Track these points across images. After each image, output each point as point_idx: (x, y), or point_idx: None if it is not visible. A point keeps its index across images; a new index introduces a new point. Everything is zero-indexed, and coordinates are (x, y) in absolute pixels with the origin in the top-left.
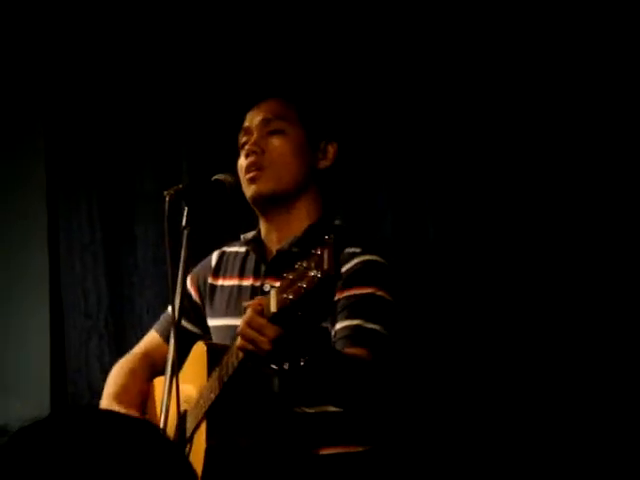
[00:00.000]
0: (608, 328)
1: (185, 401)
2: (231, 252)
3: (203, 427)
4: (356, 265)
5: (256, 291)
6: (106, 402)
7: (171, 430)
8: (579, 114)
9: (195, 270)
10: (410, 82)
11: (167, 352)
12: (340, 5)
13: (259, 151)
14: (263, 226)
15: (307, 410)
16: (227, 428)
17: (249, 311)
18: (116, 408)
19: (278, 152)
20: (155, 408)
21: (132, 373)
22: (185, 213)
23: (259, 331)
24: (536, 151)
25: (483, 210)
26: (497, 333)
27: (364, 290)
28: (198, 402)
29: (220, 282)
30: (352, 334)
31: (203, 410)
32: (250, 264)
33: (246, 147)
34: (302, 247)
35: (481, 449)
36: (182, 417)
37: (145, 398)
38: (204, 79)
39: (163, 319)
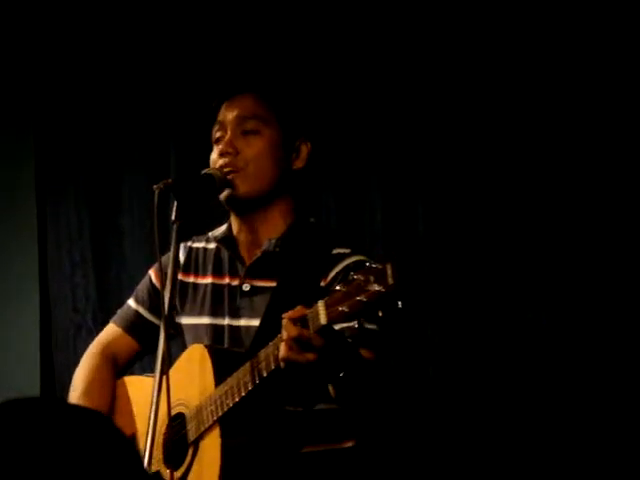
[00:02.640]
0: (607, 328)
1: (179, 404)
2: (199, 248)
3: (216, 432)
4: (348, 266)
5: (234, 290)
6: (75, 401)
7: (160, 431)
8: (566, 105)
9: (160, 264)
10: (405, 79)
11: (127, 343)
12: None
13: (233, 152)
14: (235, 224)
15: (295, 409)
16: (241, 432)
17: (288, 323)
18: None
19: (253, 154)
20: (129, 407)
21: (96, 370)
22: (174, 207)
23: (306, 343)
24: (527, 146)
25: (474, 205)
26: (488, 328)
27: None
28: (204, 407)
29: (192, 279)
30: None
31: (216, 415)
32: (225, 262)
33: (220, 147)
34: (284, 247)
35: (465, 444)
36: (177, 420)
37: (112, 393)
38: (191, 73)
39: (122, 312)
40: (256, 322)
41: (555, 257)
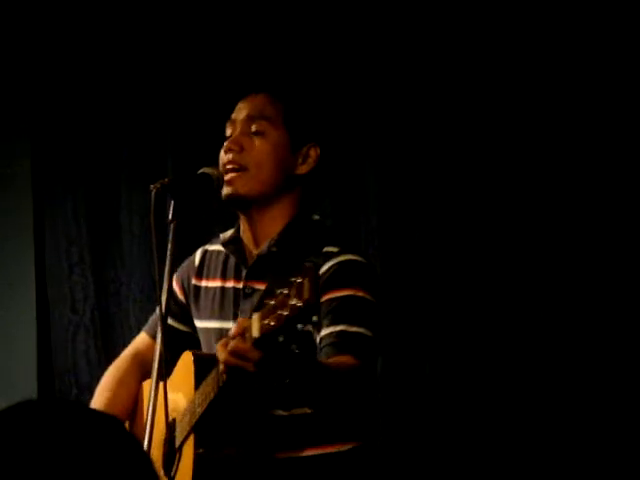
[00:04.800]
0: (607, 327)
1: (173, 409)
2: (213, 251)
3: (191, 439)
4: (334, 266)
5: (238, 293)
6: (96, 395)
7: (160, 436)
8: (566, 105)
9: (180, 269)
10: (404, 73)
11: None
12: (333, 4)
13: (237, 149)
14: (242, 224)
15: (283, 413)
16: (214, 439)
17: (228, 338)
18: None
19: (256, 153)
20: (143, 410)
21: (120, 382)
22: (171, 207)
23: (243, 356)
24: (526, 142)
25: (472, 203)
26: (484, 325)
27: (344, 292)
28: (185, 414)
29: (204, 283)
30: (336, 341)
31: (191, 423)
32: (231, 265)
33: (226, 143)
34: (280, 247)
35: (463, 442)
36: (171, 426)
37: (134, 403)
38: (189, 73)
39: (151, 320)
40: None
41: (554, 255)
